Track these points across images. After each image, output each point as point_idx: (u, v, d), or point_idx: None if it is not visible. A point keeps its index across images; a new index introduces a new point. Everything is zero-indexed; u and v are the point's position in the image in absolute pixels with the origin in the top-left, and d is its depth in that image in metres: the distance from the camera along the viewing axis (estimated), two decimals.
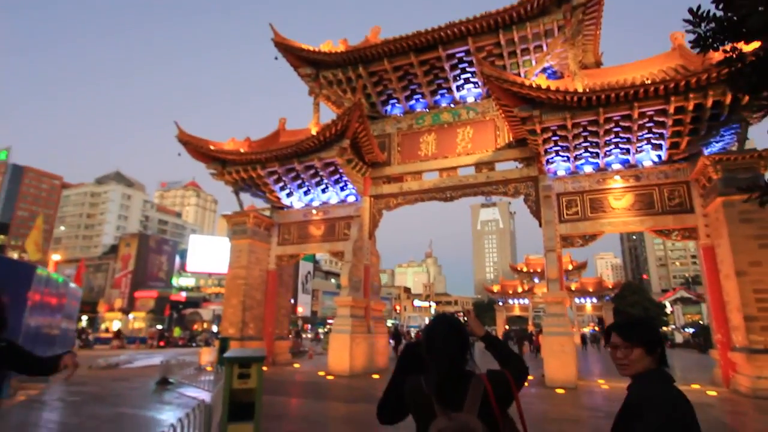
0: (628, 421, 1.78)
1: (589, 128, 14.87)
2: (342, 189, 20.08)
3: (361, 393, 12.52)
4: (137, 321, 54.17)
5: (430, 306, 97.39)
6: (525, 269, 56.39)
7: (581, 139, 15.37)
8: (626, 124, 14.52)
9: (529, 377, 2.11)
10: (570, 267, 49.10)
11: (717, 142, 14.59)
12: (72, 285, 16.38)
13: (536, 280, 54.17)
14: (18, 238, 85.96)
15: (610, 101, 13.85)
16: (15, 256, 59.07)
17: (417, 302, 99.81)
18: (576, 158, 16.16)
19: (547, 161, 16.42)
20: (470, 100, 19.21)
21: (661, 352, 1.88)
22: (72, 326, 16.33)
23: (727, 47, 4.19)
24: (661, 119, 14.13)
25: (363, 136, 18.22)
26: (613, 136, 15.08)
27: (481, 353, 2.04)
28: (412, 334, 43.97)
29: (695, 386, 13.43)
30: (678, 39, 16.18)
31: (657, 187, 15.42)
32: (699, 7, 4.10)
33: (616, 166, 16.07)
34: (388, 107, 20.54)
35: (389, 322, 60.77)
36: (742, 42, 4.17)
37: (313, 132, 18.46)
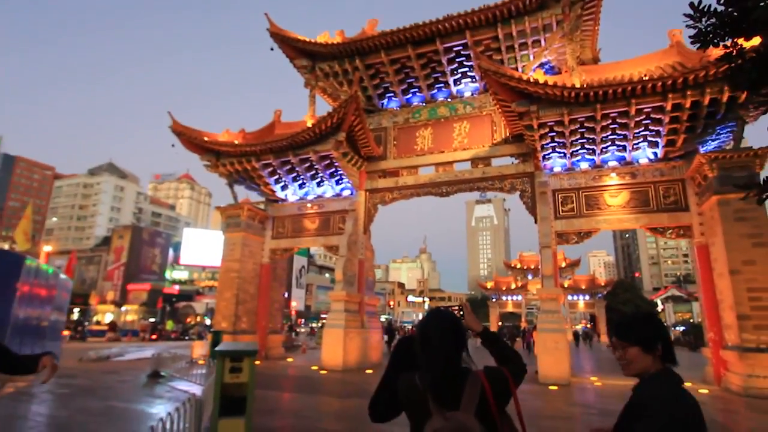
0: (630, 421, 1.71)
1: (586, 124, 14.82)
2: (337, 182, 19.95)
3: (354, 388, 12.48)
4: (130, 314, 53.91)
5: (423, 302, 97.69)
6: (519, 266, 56.59)
7: (578, 136, 15.33)
8: (623, 121, 14.49)
9: None
10: (563, 264, 49.25)
11: (713, 141, 14.58)
12: (62, 276, 16.16)
13: (530, 277, 54.40)
14: (9, 228, 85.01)
15: (608, 97, 13.80)
16: (6, 246, 58.51)
17: (411, 298, 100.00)
18: (572, 154, 16.13)
19: (544, 157, 16.37)
20: (467, 94, 19.10)
21: (665, 348, 1.81)
22: (62, 318, 16.12)
23: (728, 43, 4.14)
24: (658, 116, 14.11)
25: (359, 129, 18.09)
26: (609, 132, 15.06)
27: (474, 349, 1.96)
28: (406, 330, 44.01)
29: (687, 384, 13.37)
30: (676, 36, 16.15)
31: (652, 185, 15.42)
32: (700, 2, 4.02)
33: (612, 163, 16.05)
34: (385, 101, 20.40)
35: (383, 318, 60.81)
36: (743, 38, 4.11)
37: (309, 124, 18.29)
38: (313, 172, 19.66)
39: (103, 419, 8.03)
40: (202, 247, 56.03)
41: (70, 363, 15.94)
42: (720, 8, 4.02)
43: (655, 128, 14.58)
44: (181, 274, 61.28)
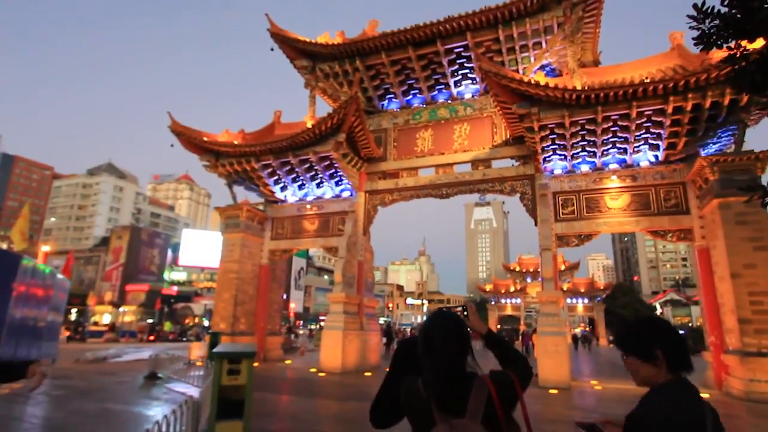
0: None
1: (587, 127, 14.78)
2: (337, 184, 19.89)
3: (353, 391, 12.38)
4: (128, 314, 53.75)
5: (422, 304, 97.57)
6: (518, 269, 56.59)
7: (579, 138, 15.28)
8: (624, 124, 14.45)
9: None
10: (562, 267, 49.24)
11: (714, 144, 14.55)
12: (60, 276, 15.95)
13: (529, 280, 54.39)
14: (7, 228, 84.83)
15: (609, 100, 13.76)
16: (4, 246, 58.33)
17: (410, 300, 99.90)
18: (573, 157, 16.08)
19: (544, 159, 16.32)
20: (468, 96, 19.06)
21: (669, 355, 1.67)
22: (59, 319, 15.99)
23: (732, 44, 4.09)
24: (659, 119, 14.07)
25: (359, 130, 18.03)
26: (610, 135, 15.01)
27: (475, 352, 1.89)
28: (405, 332, 43.86)
29: None
30: (677, 39, 16.13)
31: (653, 188, 15.38)
32: (703, 4, 3.98)
33: (613, 166, 16.01)
34: (385, 102, 20.35)
35: (381, 320, 60.68)
36: (746, 40, 4.06)
37: (309, 125, 18.22)
38: (313, 173, 19.60)
39: (99, 421, 7.94)
40: (200, 248, 55.93)
41: (66, 364, 15.83)
42: (723, 10, 3.98)
43: (656, 131, 14.54)
44: (179, 275, 61.18)
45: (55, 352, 15.73)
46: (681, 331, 1.75)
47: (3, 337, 10.13)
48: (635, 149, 15.36)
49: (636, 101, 13.61)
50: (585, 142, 15.47)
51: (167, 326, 41.94)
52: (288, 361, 20.20)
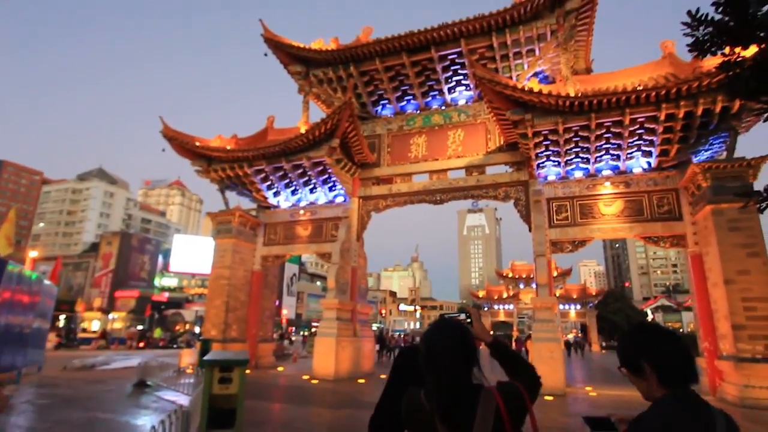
0: None
1: (581, 133, 14.83)
2: (330, 189, 19.78)
3: (346, 398, 12.21)
4: (117, 321, 52.95)
5: (415, 310, 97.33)
6: (511, 275, 56.72)
7: (572, 144, 15.34)
8: (617, 131, 14.52)
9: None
10: (555, 273, 49.26)
11: (706, 151, 14.65)
12: (47, 282, 15.77)
13: (521, 286, 54.51)
14: None
15: (602, 107, 13.83)
16: None
17: (402, 306, 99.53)
18: (567, 163, 16.13)
19: (538, 166, 16.35)
20: (461, 102, 19.09)
21: (660, 368, 1.50)
22: (45, 325, 15.71)
23: (725, 51, 4.08)
24: (651, 126, 14.16)
25: (353, 136, 17.97)
26: (603, 142, 15.08)
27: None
28: (398, 339, 43.60)
29: None
30: (668, 47, 16.29)
31: (646, 194, 15.45)
32: (698, 11, 3.98)
33: (607, 173, 16.07)
34: (379, 108, 20.33)
35: (374, 326, 60.35)
36: (740, 47, 4.06)
37: (302, 131, 18.14)
38: (306, 178, 19.49)
39: (84, 431, 7.72)
40: (192, 254, 55.37)
41: (53, 372, 15.49)
42: (717, 17, 3.97)
43: (649, 138, 14.63)
44: (170, 282, 60.47)
45: (42, 359, 15.50)
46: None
47: None
48: (628, 156, 15.44)
49: (629, 108, 13.69)
50: (578, 149, 15.53)
51: (157, 333, 41.31)
52: (280, 368, 19.95)
